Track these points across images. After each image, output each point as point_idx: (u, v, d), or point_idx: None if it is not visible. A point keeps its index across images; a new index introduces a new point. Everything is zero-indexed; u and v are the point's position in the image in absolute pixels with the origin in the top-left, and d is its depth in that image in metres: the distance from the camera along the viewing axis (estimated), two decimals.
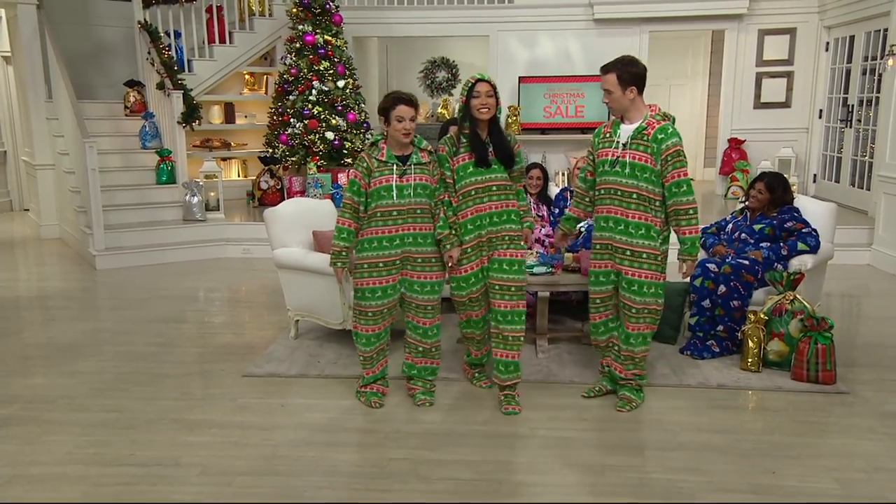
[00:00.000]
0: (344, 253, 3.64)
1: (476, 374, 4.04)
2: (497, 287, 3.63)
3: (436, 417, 3.66)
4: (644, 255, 3.54)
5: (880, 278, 6.54)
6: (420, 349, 3.79)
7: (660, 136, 3.46)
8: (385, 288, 3.65)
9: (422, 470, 3.15)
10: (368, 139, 8.95)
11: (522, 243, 3.69)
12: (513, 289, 3.62)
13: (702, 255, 4.81)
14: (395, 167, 3.56)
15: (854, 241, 7.06)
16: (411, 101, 3.57)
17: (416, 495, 2.96)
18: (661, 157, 3.46)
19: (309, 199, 5.73)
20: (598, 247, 3.67)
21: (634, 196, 3.50)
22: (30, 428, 3.59)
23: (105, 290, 6.36)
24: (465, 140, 3.61)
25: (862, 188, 8.27)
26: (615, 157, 3.55)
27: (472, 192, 3.60)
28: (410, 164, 3.59)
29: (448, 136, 3.71)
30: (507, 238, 3.64)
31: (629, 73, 3.50)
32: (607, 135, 3.63)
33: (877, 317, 5.45)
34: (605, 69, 3.55)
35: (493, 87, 3.53)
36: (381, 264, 3.61)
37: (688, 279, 3.87)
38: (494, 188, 3.60)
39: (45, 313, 5.72)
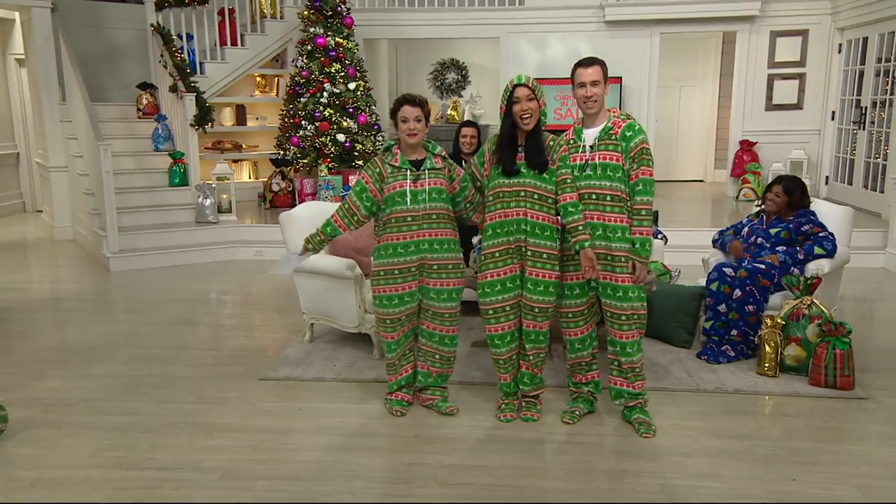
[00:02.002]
0: (318, 238, 3.72)
1: (503, 405, 3.73)
2: (522, 304, 3.52)
3: (453, 422, 3.67)
4: (623, 259, 3.41)
5: (895, 282, 6.51)
6: (437, 356, 3.76)
7: (628, 134, 3.39)
8: (402, 295, 3.60)
9: (441, 475, 3.16)
10: (380, 141, 9.02)
11: (557, 265, 3.47)
12: (536, 310, 3.48)
13: (719, 257, 4.81)
14: (408, 172, 3.53)
15: (868, 244, 7.04)
16: (415, 102, 3.53)
17: (437, 500, 2.97)
18: (629, 155, 3.39)
19: (324, 203, 5.76)
20: (574, 258, 3.46)
21: (609, 198, 3.39)
22: (50, 431, 3.61)
23: (119, 293, 6.39)
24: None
25: (875, 190, 8.24)
26: (584, 161, 3.44)
27: (501, 195, 3.46)
28: (424, 169, 3.56)
29: (493, 135, 3.59)
30: (543, 255, 3.44)
31: (607, 68, 3.46)
32: (571, 141, 3.52)
33: (892, 321, 5.43)
34: (591, 62, 3.41)
35: (533, 91, 3.38)
36: (396, 271, 3.56)
37: (646, 284, 3.61)
38: (523, 194, 3.41)
39: (60, 315, 5.75)
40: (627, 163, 3.40)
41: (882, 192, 7.99)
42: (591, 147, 3.45)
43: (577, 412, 3.68)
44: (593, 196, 3.43)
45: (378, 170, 3.57)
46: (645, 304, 3.52)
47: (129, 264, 7.11)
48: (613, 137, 3.41)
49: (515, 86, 3.41)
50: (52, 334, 5.25)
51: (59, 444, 3.46)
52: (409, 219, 3.53)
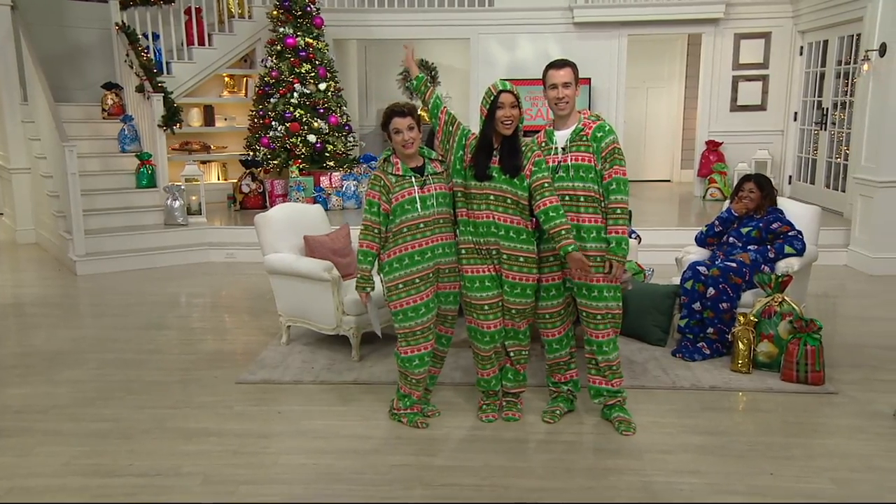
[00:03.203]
0: (364, 276, 3.53)
1: (484, 405, 3.75)
2: (501, 304, 3.55)
3: (435, 423, 3.67)
4: (598, 259, 3.42)
5: (857, 279, 6.68)
6: (438, 358, 3.75)
7: (599, 134, 3.41)
8: (427, 303, 3.50)
9: (425, 476, 3.16)
10: (351, 141, 8.98)
11: (534, 268, 3.49)
12: (514, 311, 3.53)
13: (695, 256, 4.88)
14: (413, 179, 3.46)
15: (831, 242, 7.19)
16: (404, 112, 3.47)
17: (423, 500, 2.97)
18: (601, 156, 3.40)
19: (300, 204, 5.72)
20: (550, 259, 3.52)
21: (582, 199, 3.42)
22: (23, 439, 3.53)
23: (87, 297, 6.27)
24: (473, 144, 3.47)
25: (837, 189, 8.43)
26: (556, 163, 3.46)
27: (470, 196, 3.46)
28: (428, 175, 3.51)
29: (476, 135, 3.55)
30: (520, 259, 3.46)
31: (577, 70, 3.48)
32: (543, 143, 3.54)
33: (856, 317, 5.57)
34: (563, 64, 3.46)
35: (517, 97, 3.37)
36: (417, 280, 3.46)
37: (621, 283, 3.59)
38: (492, 197, 3.41)
39: (26, 320, 5.63)
40: (599, 163, 3.42)
41: (843, 191, 8.18)
42: (563, 149, 3.48)
43: (557, 411, 3.71)
44: (566, 197, 3.45)
45: (382, 182, 3.45)
46: (620, 303, 3.56)
47: (96, 268, 6.98)
48: (584, 138, 3.44)
49: (501, 91, 3.38)
50: (18, 340, 5.13)
51: (32, 452, 3.39)
52: (421, 225, 3.45)
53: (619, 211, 3.41)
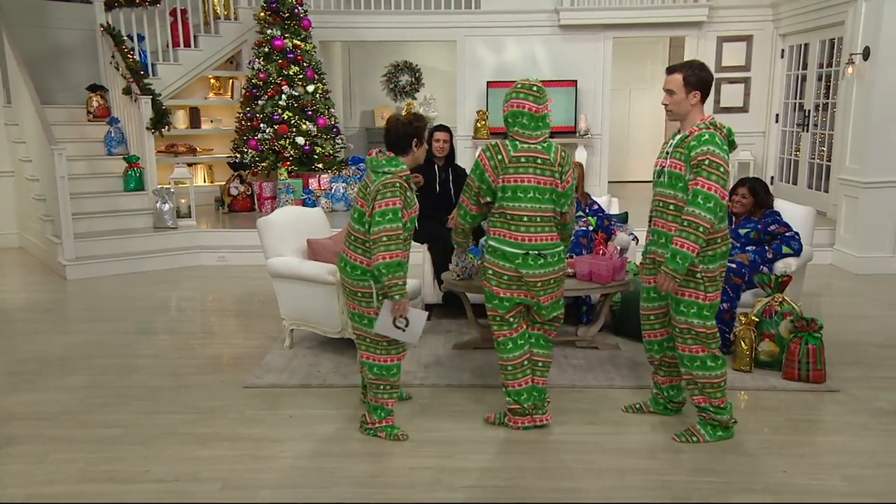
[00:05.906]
0: (404, 283, 3.33)
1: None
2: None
3: (447, 425, 3.69)
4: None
5: (844, 278, 6.82)
6: None
7: (692, 143, 3.25)
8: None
9: (445, 478, 3.18)
10: (340, 143, 8.94)
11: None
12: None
13: None
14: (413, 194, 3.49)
15: (816, 242, 7.17)
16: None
17: (448, 502, 3.00)
18: (689, 165, 3.26)
19: (300, 207, 5.69)
20: (647, 261, 3.55)
21: (671, 207, 3.34)
22: (35, 446, 3.49)
23: (79, 301, 6.19)
24: None
25: (819, 190, 8.59)
26: (661, 167, 3.43)
27: None
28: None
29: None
30: None
31: (697, 76, 3.31)
32: (665, 144, 3.49)
33: (846, 315, 5.68)
34: (672, 69, 3.38)
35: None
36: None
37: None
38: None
39: (20, 326, 5.54)
40: (688, 173, 3.28)
41: (826, 191, 8.33)
42: (668, 154, 3.41)
43: (637, 405, 3.83)
44: (660, 203, 3.44)
45: (407, 194, 3.37)
46: (707, 322, 3.38)
47: (86, 272, 6.89)
48: (683, 146, 3.31)
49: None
50: (16, 346, 5.05)
51: (46, 460, 3.36)
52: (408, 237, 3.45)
53: (686, 223, 3.21)
